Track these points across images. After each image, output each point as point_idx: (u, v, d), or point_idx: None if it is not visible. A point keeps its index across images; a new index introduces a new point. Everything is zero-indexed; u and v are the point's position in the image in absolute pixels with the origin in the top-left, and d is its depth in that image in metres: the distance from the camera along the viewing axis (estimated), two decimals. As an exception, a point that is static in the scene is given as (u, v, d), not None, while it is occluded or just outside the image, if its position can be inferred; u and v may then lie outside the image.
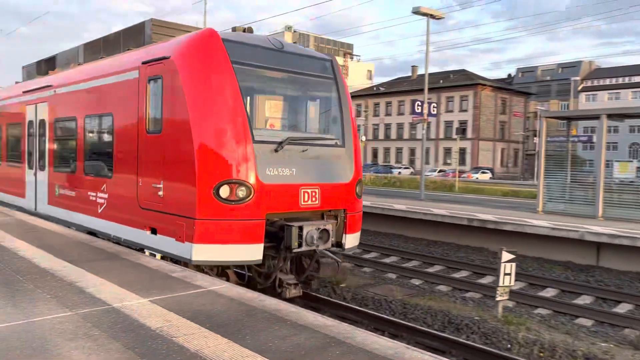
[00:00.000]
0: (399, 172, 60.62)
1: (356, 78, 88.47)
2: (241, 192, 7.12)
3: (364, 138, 67.08)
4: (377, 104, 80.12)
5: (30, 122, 12.60)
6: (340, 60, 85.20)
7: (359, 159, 8.65)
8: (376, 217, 17.55)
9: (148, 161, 8.07)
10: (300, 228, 7.39)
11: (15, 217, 11.01)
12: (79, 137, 10.25)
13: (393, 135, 77.84)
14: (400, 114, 76.01)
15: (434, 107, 22.71)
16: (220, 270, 7.93)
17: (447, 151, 69.91)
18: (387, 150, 78.72)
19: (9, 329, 4.26)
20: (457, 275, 12.02)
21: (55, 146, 11.33)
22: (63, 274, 6.15)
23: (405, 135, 75.86)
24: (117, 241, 8.85)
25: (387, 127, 78.59)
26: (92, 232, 9.70)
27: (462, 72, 75.24)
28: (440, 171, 61.91)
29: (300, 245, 7.39)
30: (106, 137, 9.40)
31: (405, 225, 16.89)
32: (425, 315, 8.58)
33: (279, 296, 7.44)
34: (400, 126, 76.51)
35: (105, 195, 9.27)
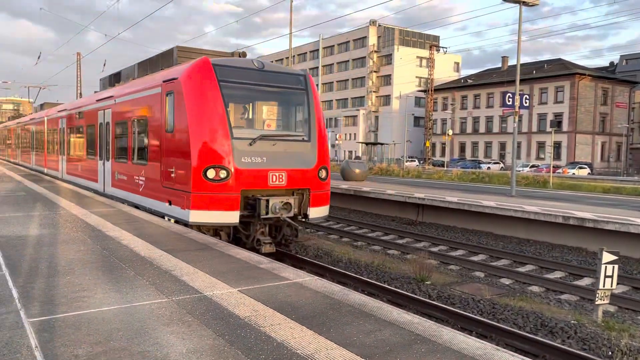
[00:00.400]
0: (488, 167, 58.41)
1: (443, 70, 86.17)
2: (222, 174, 9.54)
3: (450, 132, 65.25)
4: (464, 97, 77.55)
5: (100, 124, 15.39)
6: (425, 52, 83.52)
7: (323, 151, 10.76)
8: (463, 214, 17.03)
9: (166, 153, 10.67)
10: (267, 200, 9.70)
11: (116, 207, 11.86)
12: (129, 136, 13.01)
13: (482, 129, 75.01)
14: (489, 106, 73.06)
15: (526, 98, 21.58)
16: (214, 232, 10.14)
17: (541, 145, 66.27)
18: (475, 145, 76.02)
19: (114, 312, 4.60)
20: (551, 275, 11.38)
21: (115, 142, 14.16)
22: (160, 262, 6.55)
23: (495, 129, 72.83)
24: (150, 211, 11.35)
25: (475, 120, 75.86)
26: (136, 206, 12.38)
27: (558, 62, 70.87)
28: (532, 166, 58.89)
29: (267, 213, 9.70)
30: (144, 136, 12.05)
31: (494, 223, 16.24)
32: (516, 317, 8.20)
33: (258, 252, 9.31)
34: (489, 119, 73.58)
35: (143, 178, 12.11)
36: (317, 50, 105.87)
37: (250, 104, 10.95)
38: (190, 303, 4.91)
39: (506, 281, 10.95)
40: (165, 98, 10.72)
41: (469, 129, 76.96)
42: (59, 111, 21.87)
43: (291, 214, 10.01)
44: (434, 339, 4.15)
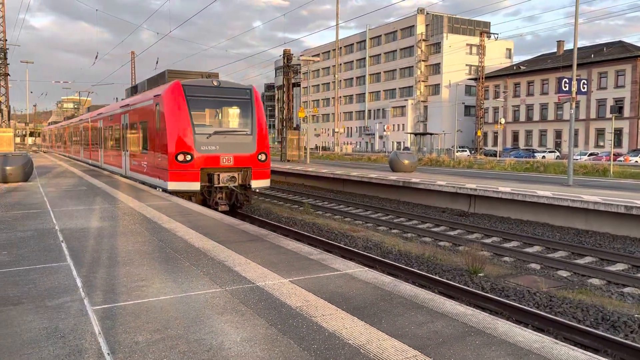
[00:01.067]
0: (543, 157, 56.43)
1: (494, 58, 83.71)
2: (187, 157, 13.85)
3: (503, 120, 63.40)
4: (517, 84, 75.07)
5: (122, 125, 20.04)
6: (476, 39, 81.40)
7: (262, 141, 14.98)
8: (517, 205, 16.54)
9: (157, 144, 14.97)
10: (219, 175, 14.18)
11: (171, 201, 12.23)
12: (138, 133, 17.42)
13: (536, 116, 72.46)
14: (543, 93, 70.44)
15: (583, 84, 20.65)
16: (188, 197, 14.04)
17: (600, 132, 63.39)
18: (529, 133, 73.56)
19: (170, 301, 4.76)
20: (612, 268, 10.89)
21: (130, 138, 18.72)
22: (213, 253, 6.71)
23: (550, 117, 70.19)
24: (151, 185, 15.80)
25: (529, 108, 73.34)
26: (143, 182, 16.76)
27: (618, 44, 67.34)
28: (591, 154, 56.44)
29: (219, 183, 14.21)
30: (145, 133, 16.34)
31: (550, 213, 15.70)
32: (575, 310, 7.91)
33: (216, 210, 11.87)
34: (544, 107, 70.96)
35: (146, 163, 16.44)
36: (364, 41, 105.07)
37: (210, 110, 14.94)
38: (243, 293, 5.00)
39: (564, 273, 10.57)
40: (155, 107, 15.11)
41: (522, 117, 74.53)
42: (98, 114, 26.63)
43: (236, 184, 14.54)
44: (489, 331, 4.06)
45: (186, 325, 4.15)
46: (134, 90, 20.76)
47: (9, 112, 37.28)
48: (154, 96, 15.37)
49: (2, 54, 36.91)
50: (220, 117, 15.03)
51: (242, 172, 14.63)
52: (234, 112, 15.14)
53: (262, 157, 14.96)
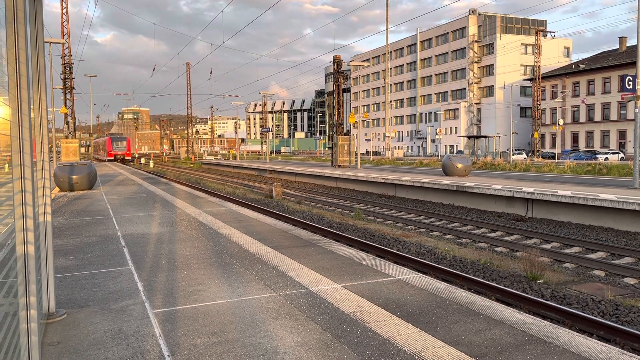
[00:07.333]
0: (606, 158, 53.88)
1: (551, 57, 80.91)
2: (111, 152, 71.80)
3: (561, 121, 61.09)
4: (576, 84, 72.13)
5: (101, 145, 79.98)
6: (531, 39, 78.97)
7: (129, 148, 73.05)
8: (578, 209, 15.87)
9: (107, 149, 74.43)
10: (117, 155, 72.94)
11: (226, 207, 12.51)
12: (104, 148, 76.02)
13: (597, 116, 69.34)
14: (605, 92, 67.34)
15: (649, 81, 19.59)
16: (119, 161, 70.31)
17: (668, 132, 59.79)
18: (589, 134, 70.46)
19: (226, 305, 4.86)
20: (685, 275, 10.24)
21: (102, 148, 79.24)
22: (267, 258, 6.81)
23: (613, 116, 66.98)
24: (104, 160, 75.52)
25: (590, 108, 70.28)
26: (101, 159, 76.03)
27: (687, 37, 63.49)
28: (658, 155, 53.26)
29: (117, 157, 73.09)
30: (104, 147, 75.33)
31: (614, 218, 14.96)
32: (644, 320, 7.48)
33: (116, 162, 70.77)
34: (605, 106, 67.81)
35: (104, 154, 75.36)
36: (415, 44, 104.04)
37: (116, 142, 71.75)
38: (297, 298, 5.05)
39: (631, 281, 10.03)
40: (105, 141, 73.42)
41: (582, 118, 71.50)
42: (97, 139, 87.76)
43: (122, 158, 69.69)
44: (550, 340, 3.91)
45: (242, 329, 4.23)
46: (107, 135, 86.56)
47: (74, 123, 39.41)
48: (106, 139, 72.62)
49: (68, 69, 39.03)
50: (118, 144, 70.12)
51: (123, 155, 68.39)
52: (121, 142, 70.68)
53: (128, 152, 70.27)
